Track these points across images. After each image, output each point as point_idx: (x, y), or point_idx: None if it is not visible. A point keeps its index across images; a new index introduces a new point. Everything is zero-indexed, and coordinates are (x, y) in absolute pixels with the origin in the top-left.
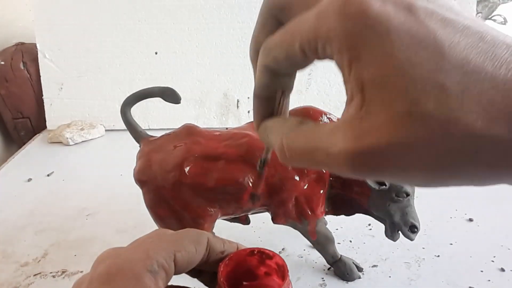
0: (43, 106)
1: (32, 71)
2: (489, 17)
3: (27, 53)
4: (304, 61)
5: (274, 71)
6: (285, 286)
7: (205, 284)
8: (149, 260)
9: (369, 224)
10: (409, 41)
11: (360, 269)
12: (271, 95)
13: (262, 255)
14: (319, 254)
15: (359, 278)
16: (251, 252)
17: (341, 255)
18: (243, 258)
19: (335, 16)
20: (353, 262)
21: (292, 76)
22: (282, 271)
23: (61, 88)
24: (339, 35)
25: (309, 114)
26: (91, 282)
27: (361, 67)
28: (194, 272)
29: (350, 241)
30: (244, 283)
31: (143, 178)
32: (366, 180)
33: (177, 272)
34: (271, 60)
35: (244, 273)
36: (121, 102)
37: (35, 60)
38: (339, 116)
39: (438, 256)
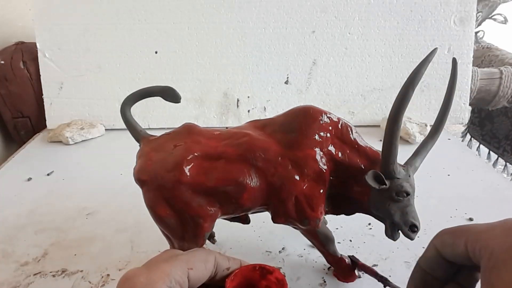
0: (43, 105)
1: (32, 70)
2: (490, 16)
3: (27, 53)
4: (459, 257)
5: (439, 253)
6: None
7: None
8: (167, 278)
9: (369, 224)
10: None
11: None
12: (429, 276)
13: (263, 270)
14: (319, 254)
15: (359, 277)
16: (253, 268)
17: (341, 255)
18: (246, 273)
19: (503, 232)
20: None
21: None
22: (281, 285)
23: (61, 88)
24: (500, 245)
25: (309, 114)
26: None
27: (503, 273)
28: (201, 287)
29: (350, 241)
30: None
31: (143, 177)
32: (366, 179)
33: (190, 287)
34: (439, 241)
35: (247, 287)
36: (121, 102)
37: (35, 59)
38: (339, 115)
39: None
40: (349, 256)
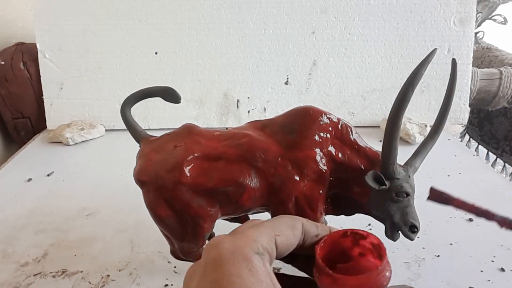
0: (43, 106)
1: (32, 71)
2: (489, 17)
3: (27, 53)
4: None
5: None
6: (383, 265)
7: (300, 269)
8: (255, 244)
9: (369, 224)
10: None
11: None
12: None
13: (356, 235)
14: None
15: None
16: (344, 233)
17: None
18: (337, 240)
19: None
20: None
21: None
22: (378, 250)
23: (61, 88)
24: None
25: (309, 114)
26: (205, 266)
27: None
28: (289, 258)
29: None
30: (339, 265)
31: (143, 178)
32: (366, 180)
33: (278, 255)
34: None
35: (338, 255)
36: (121, 102)
37: (35, 60)
38: (339, 116)
39: (438, 256)
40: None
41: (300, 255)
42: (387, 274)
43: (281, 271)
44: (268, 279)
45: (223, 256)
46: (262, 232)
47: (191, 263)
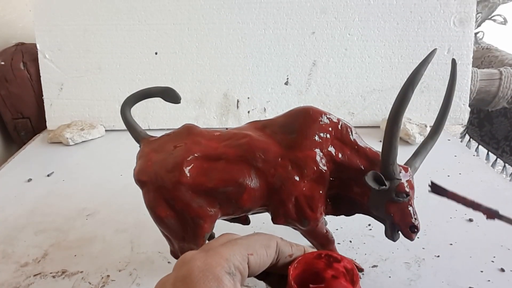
0: (43, 106)
1: (32, 71)
2: (489, 17)
3: (27, 53)
4: None
5: None
6: None
7: (272, 286)
8: (227, 264)
9: (369, 224)
10: None
11: (360, 270)
12: None
13: (330, 258)
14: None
15: (360, 278)
16: (319, 255)
17: (341, 256)
18: (311, 261)
19: None
20: (353, 263)
21: None
22: (350, 275)
23: (61, 88)
24: None
25: (309, 115)
26: (175, 283)
27: None
28: (262, 275)
29: (350, 241)
30: (311, 286)
31: (143, 178)
32: (366, 180)
33: (250, 274)
34: None
35: (311, 275)
36: (121, 102)
37: (35, 60)
38: (339, 116)
39: (438, 256)
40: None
41: (273, 273)
42: None
43: None
44: None
45: (193, 274)
46: (235, 250)
47: None
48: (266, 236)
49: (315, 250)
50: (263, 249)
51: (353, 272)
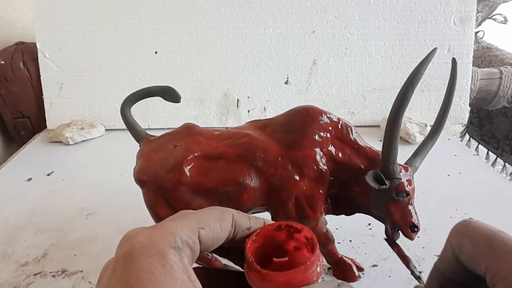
0: (43, 105)
1: (32, 70)
2: (490, 16)
3: (27, 53)
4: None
5: (456, 256)
6: (312, 260)
7: (235, 263)
8: (172, 237)
9: (369, 224)
10: None
11: (360, 269)
12: (446, 278)
13: (290, 229)
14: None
15: (359, 278)
16: (279, 226)
17: (341, 255)
18: (271, 233)
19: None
20: (353, 262)
21: None
22: (311, 244)
23: (61, 88)
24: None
25: (309, 114)
26: (116, 261)
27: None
28: (223, 251)
29: (350, 241)
30: (274, 259)
31: (143, 177)
32: (366, 179)
33: (203, 249)
34: (457, 245)
35: (273, 248)
36: (121, 102)
37: (35, 59)
38: (339, 115)
39: (438, 255)
40: (385, 238)
41: (235, 248)
42: (318, 269)
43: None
44: (184, 275)
45: (134, 250)
46: (183, 224)
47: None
48: (220, 209)
49: (273, 222)
50: (216, 223)
51: (313, 241)
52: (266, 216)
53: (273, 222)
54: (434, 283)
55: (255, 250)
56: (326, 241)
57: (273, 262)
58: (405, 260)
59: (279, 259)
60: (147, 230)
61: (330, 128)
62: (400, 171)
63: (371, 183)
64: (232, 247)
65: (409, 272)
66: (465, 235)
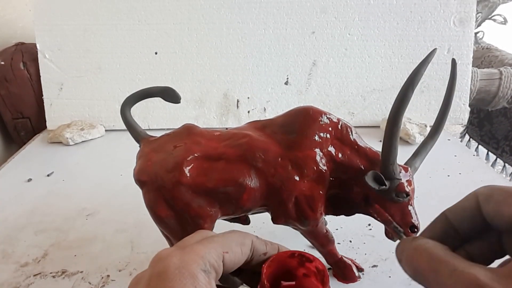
0: (43, 106)
1: (32, 71)
2: (489, 17)
3: (27, 53)
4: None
5: (478, 206)
6: None
7: (245, 282)
8: (202, 261)
9: (369, 224)
10: None
11: (360, 270)
12: (452, 228)
13: (303, 258)
14: (319, 254)
15: (359, 278)
16: (292, 254)
17: (341, 255)
18: (284, 259)
19: None
20: (353, 263)
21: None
22: (322, 275)
23: (61, 88)
24: None
25: (309, 115)
26: (150, 279)
27: None
28: (235, 271)
29: (350, 241)
30: (283, 283)
31: (143, 178)
32: (366, 180)
33: (225, 272)
34: (485, 195)
35: (283, 273)
36: (121, 102)
37: (35, 60)
38: (339, 116)
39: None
40: None
41: (246, 269)
42: None
43: None
44: None
45: (169, 270)
46: (211, 248)
47: None
48: (241, 234)
49: (288, 249)
50: (238, 247)
51: (324, 273)
52: (266, 216)
53: (287, 249)
54: (437, 228)
55: (268, 275)
56: (326, 242)
57: (281, 285)
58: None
59: (287, 282)
60: (180, 252)
61: (330, 128)
62: (400, 172)
63: (371, 184)
64: (246, 268)
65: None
66: (497, 187)
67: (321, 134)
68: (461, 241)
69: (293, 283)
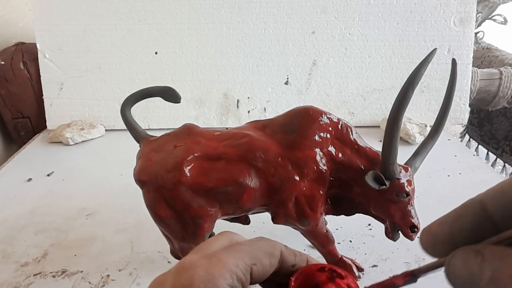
0: (43, 106)
1: (32, 71)
2: (489, 17)
3: (27, 53)
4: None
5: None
6: None
7: None
8: (229, 275)
9: (369, 224)
10: None
11: (360, 270)
12: (485, 215)
13: (333, 273)
14: (319, 254)
15: (359, 278)
16: (322, 268)
17: (341, 255)
18: (313, 273)
19: None
20: (353, 262)
21: None
22: None
23: (61, 88)
24: None
25: (309, 114)
26: None
27: None
28: (265, 284)
29: (350, 241)
30: None
31: (143, 178)
32: (366, 180)
33: (251, 283)
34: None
35: (311, 286)
36: (121, 102)
37: (35, 60)
38: (339, 116)
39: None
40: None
41: (271, 280)
42: None
43: None
44: None
45: (194, 284)
46: (239, 259)
47: None
48: (270, 243)
49: (318, 262)
50: (266, 259)
51: None
52: (267, 216)
53: (317, 261)
54: (467, 219)
55: (296, 287)
56: (326, 242)
57: None
58: None
59: None
60: (206, 263)
61: (330, 128)
62: (400, 172)
63: (371, 184)
64: (272, 279)
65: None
66: None
67: (321, 134)
68: (493, 233)
69: None
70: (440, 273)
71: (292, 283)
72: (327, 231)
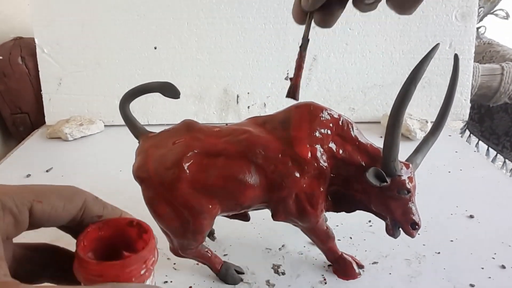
0: (42, 101)
1: (31, 66)
2: (491, 11)
3: (25, 48)
4: None
5: None
6: (135, 258)
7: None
8: None
9: (370, 221)
10: None
11: (360, 266)
12: None
13: (141, 228)
14: (319, 251)
15: (360, 275)
16: (130, 222)
17: (341, 252)
18: (123, 227)
19: None
20: (353, 259)
21: None
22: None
23: (60, 83)
24: None
25: (309, 110)
26: None
27: None
28: (73, 232)
29: (351, 238)
30: (125, 253)
31: (142, 174)
32: (367, 176)
33: (35, 223)
34: None
35: (123, 243)
36: (120, 98)
37: (33, 55)
38: (340, 112)
39: (439, 253)
40: None
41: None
42: (142, 272)
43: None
44: None
45: None
46: (16, 192)
47: (191, 260)
48: (72, 190)
49: (132, 217)
50: (60, 202)
51: (149, 233)
52: (267, 212)
53: (131, 217)
54: None
55: (98, 237)
56: (326, 239)
57: (124, 256)
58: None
59: (129, 253)
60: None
61: (331, 124)
62: (401, 168)
63: (372, 180)
64: (80, 230)
65: None
66: None
67: (322, 130)
68: None
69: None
70: (440, 274)
71: (89, 229)
72: (327, 227)
